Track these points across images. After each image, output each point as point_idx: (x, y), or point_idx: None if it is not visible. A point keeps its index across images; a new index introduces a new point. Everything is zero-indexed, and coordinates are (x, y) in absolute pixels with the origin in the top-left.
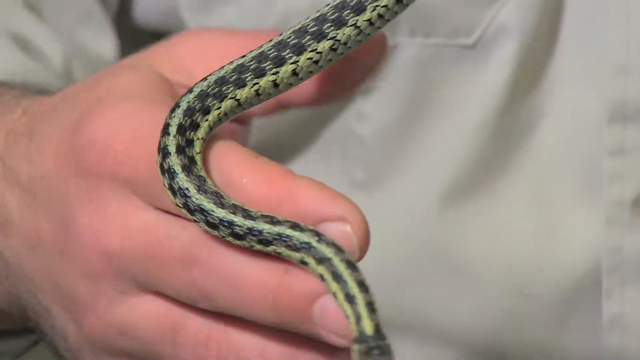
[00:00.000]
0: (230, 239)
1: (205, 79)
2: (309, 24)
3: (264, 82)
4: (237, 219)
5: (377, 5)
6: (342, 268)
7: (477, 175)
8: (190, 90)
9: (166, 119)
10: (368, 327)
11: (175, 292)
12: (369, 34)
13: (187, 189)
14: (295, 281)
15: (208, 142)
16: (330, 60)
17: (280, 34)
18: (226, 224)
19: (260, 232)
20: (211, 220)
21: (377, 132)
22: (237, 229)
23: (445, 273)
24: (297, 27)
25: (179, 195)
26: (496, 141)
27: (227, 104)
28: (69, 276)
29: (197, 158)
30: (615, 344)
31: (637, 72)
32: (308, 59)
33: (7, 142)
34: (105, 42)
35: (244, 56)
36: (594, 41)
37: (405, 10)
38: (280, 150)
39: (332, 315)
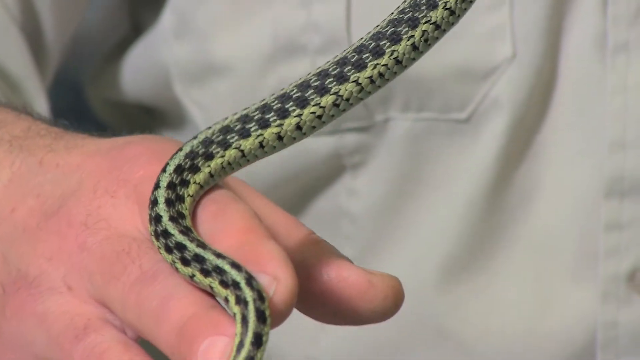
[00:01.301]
0: (178, 264)
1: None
2: (311, 79)
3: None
4: (190, 245)
5: (377, 64)
6: (251, 314)
7: (471, 250)
8: (180, 149)
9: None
10: None
11: (108, 298)
12: (369, 92)
13: (162, 217)
14: (209, 318)
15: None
16: (332, 116)
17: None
18: (179, 248)
19: (204, 260)
20: (169, 245)
21: (368, 208)
22: (186, 254)
23: (442, 348)
24: (300, 81)
25: (153, 223)
26: (490, 215)
27: (224, 157)
28: (26, 250)
29: (186, 214)
30: None
31: (634, 146)
32: (311, 112)
33: (30, 133)
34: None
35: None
36: (589, 114)
37: (403, 71)
38: None
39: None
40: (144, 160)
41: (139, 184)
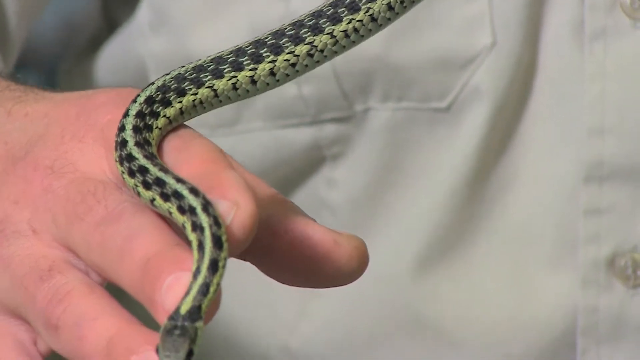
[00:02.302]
0: (140, 188)
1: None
2: (286, 28)
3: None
4: (152, 169)
5: (352, 19)
6: (207, 240)
7: (451, 239)
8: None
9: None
10: (185, 306)
11: (72, 240)
12: (343, 47)
13: (127, 142)
14: (174, 254)
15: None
16: (306, 66)
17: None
18: (142, 171)
19: (164, 184)
20: (132, 168)
21: (348, 199)
22: (148, 177)
23: (420, 337)
24: (275, 29)
25: (119, 148)
26: (470, 204)
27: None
28: None
29: (152, 143)
30: None
31: (612, 132)
32: (285, 60)
33: None
34: None
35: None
36: (568, 102)
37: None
38: None
39: (172, 294)
40: (112, 105)
41: (106, 127)
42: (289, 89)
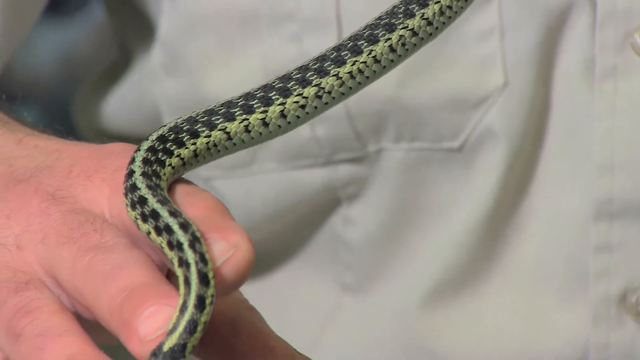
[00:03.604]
0: (139, 221)
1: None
2: (292, 72)
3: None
4: (151, 200)
5: (356, 61)
6: (194, 277)
7: (464, 276)
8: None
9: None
10: (169, 343)
11: (58, 261)
12: (350, 88)
13: (135, 171)
14: (161, 288)
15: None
16: (316, 107)
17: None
18: (141, 202)
19: (159, 216)
20: (134, 199)
21: (365, 237)
22: (146, 209)
23: None
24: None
25: (125, 178)
26: (486, 242)
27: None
28: None
29: (163, 178)
30: None
31: (622, 168)
32: (295, 102)
33: (11, 118)
34: None
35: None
36: (579, 139)
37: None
38: (270, 257)
39: (150, 322)
40: (126, 155)
41: (117, 173)
42: (302, 131)
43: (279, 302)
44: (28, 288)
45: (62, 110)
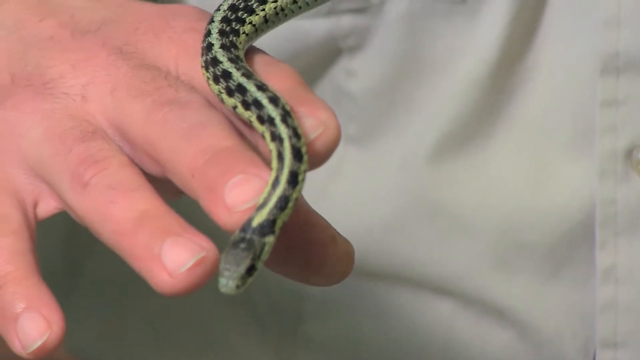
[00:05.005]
0: (224, 95)
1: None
2: None
3: None
4: (235, 74)
5: None
6: (287, 152)
7: (469, 129)
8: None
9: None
10: (258, 218)
11: (129, 113)
12: None
13: (213, 45)
14: (249, 155)
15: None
16: None
17: None
18: (225, 76)
19: (246, 91)
20: (217, 73)
21: (368, 89)
22: (231, 83)
23: (438, 225)
24: None
25: (204, 52)
26: (489, 96)
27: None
28: (52, 54)
29: (239, 46)
30: (608, 295)
31: (628, 23)
32: None
33: None
34: None
35: None
36: None
37: None
38: None
39: (237, 192)
40: (195, 15)
41: (186, 32)
42: None
43: None
44: (94, 138)
45: None
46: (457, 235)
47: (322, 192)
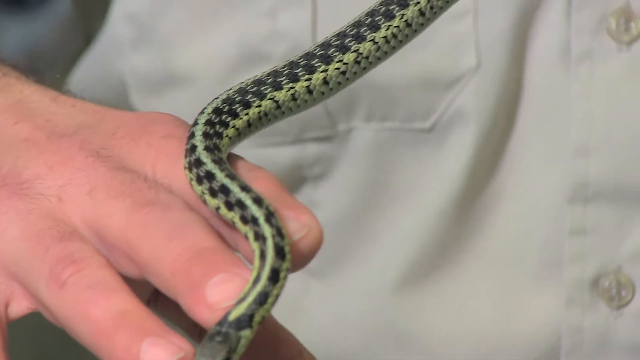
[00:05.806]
0: (207, 196)
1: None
2: (331, 39)
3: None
4: (219, 174)
5: (390, 25)
6: (270, 250)
7: (436, 257)
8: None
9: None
10: (235, 313)
11: (107, 215)
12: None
13: (197, 147)
14: (231, 255)
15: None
16: (355, 73)
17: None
18: (208, 177)
19: (229, 192)
20: (200, 174)
21: (330, 220)
22: (214, 184)
23: (406, 354)
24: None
25: (188, 154)
26: (456, 224)
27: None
28: (29, 155)
29: (222, 149)
30: None
31: (597, 152)
32: (336, 68)
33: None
34: None
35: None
36: (555, 122)
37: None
38: None
39: (219, 290)
40: (172, 124)
41: (164, 138)
42: None
43: None
44: (72, 239)
45: None
46: None
47: (289, 318)
